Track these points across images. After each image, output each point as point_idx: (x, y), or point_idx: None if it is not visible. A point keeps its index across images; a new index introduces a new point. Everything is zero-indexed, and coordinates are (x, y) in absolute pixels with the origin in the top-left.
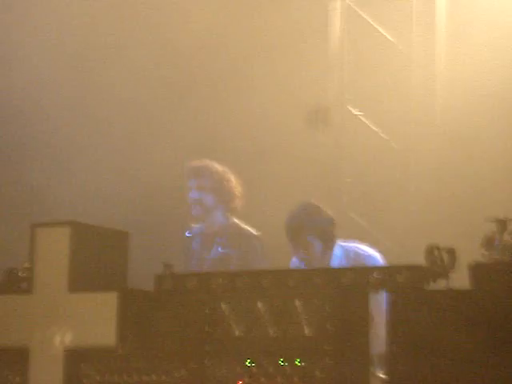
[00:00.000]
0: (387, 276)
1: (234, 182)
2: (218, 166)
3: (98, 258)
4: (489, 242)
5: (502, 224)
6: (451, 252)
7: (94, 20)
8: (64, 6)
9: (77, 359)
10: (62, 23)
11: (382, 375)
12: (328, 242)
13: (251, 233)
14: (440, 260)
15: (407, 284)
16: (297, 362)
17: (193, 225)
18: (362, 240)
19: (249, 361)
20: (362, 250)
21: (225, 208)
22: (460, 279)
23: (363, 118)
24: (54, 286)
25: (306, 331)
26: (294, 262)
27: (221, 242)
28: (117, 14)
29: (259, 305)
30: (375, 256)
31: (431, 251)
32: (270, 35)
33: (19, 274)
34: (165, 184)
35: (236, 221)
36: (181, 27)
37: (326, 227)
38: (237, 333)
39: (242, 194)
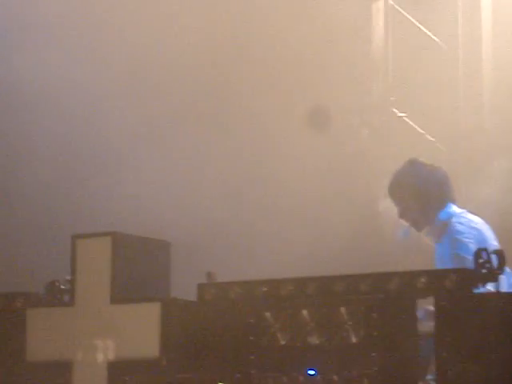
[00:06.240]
0: (434, 280)
1: None
2: None
3: (140, 268)
4: None
5: None
6: (500, 254)
7: None
8: None
9: (121, 372)
10: None
11: (431, 381)
12: None
13: None
14: (488, 263)
15: (455, 288)
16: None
17: None
18: None
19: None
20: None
21: None
22: None
23: (408, 120)
24: (95, 297)
25: (353, 339)
26: None
27: None
28: None
29: (304, 313)
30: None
31: (479, 254)
32: (315, 37)
33: (61, 287)
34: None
35: None
36: None
37: None
38: (282, 341)
39: None
